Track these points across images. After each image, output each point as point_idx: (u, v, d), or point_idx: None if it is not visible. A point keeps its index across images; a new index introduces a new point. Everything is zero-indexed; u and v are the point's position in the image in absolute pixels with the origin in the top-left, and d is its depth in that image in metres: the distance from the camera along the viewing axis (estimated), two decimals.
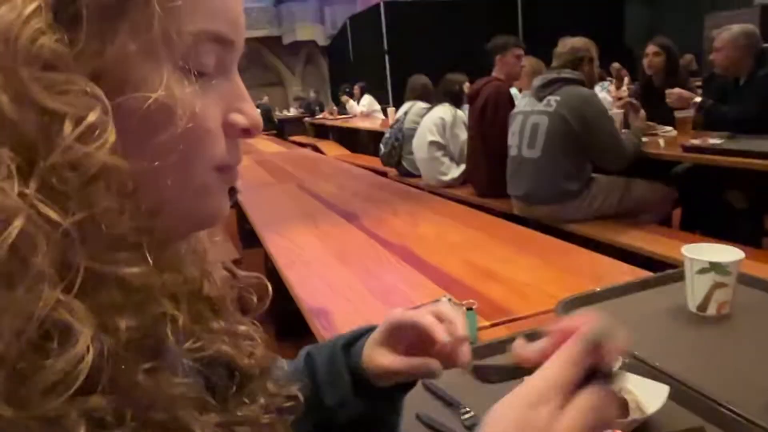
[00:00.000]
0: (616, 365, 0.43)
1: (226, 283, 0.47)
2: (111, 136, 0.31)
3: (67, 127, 0.30)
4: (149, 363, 0.33)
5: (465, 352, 0.56)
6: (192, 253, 0.43)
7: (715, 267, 0.98)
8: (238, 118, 0.40)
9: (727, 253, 1.00)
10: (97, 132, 0.30)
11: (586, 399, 0.38)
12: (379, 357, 0.58)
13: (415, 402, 0.81)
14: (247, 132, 0.40)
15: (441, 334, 0.55)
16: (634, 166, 2.60)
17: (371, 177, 3.23)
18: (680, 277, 1.05)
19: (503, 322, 1.10)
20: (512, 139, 2.85)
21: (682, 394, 0.77)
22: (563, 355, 0.39)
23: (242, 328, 0.46)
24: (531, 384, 0.38)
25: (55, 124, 0.30)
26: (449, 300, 1.14)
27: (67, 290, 0.29)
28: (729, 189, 2.85)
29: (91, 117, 0.30)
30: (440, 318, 0.57)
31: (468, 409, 0.79)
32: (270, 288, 0.52)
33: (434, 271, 1.42)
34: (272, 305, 0.52)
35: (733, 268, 0.98)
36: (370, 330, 0.62)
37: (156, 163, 0.34)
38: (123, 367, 0.31)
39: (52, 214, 0.29)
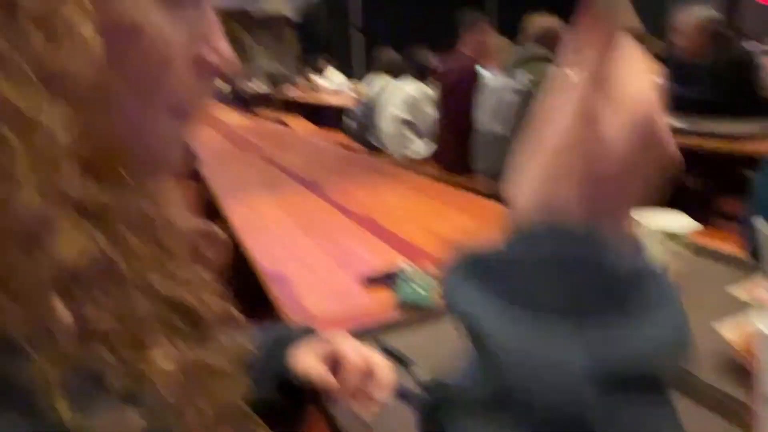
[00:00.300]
0: None
1: (185, 231, 0.44)
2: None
3: None
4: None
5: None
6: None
7: (668, 236, 1.00)
8: (209, 53, 0.36)
9: (682, 224, 1.03)
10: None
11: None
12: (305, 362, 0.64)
13: None
14: (217, 70, 0.37)
15: (333, 389, 0.62)
16: None
17: (337, 150, 3.21)
18: None
19: None
20: (481, 115, 2.86)
21: None
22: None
23: (204, 276, 0.43)
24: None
25: None
26: (408, 266, 1.14)
27: None
28: (686, 171, 2.94)
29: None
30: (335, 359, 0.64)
31: (421, 367, 0.79)
32: (228, 239, 0.51)
33: (396, 239, 1.42)
34: (232, 273, 0.50)
35: (688, 239, 1.01)
36: (308, 331, 0.70)
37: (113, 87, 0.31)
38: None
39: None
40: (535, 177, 0.30)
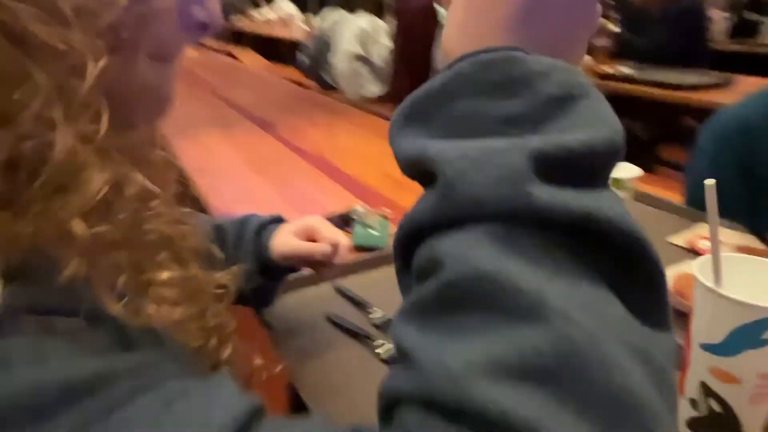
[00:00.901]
0: None
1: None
2: None
3: None
4: None
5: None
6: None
7: (614, 182, 1.04)
8: (197, 9, 0.36)
9: (625, 170, 1.06)
10: None
11: None
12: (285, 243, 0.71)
13: (326, 303, 0.83)
14: (204, 27, 0.37)
15: (320, 253, 0.71)
16: None
17: (290, 87, 3.11)
18: None
19: None
20: (438, 60, 2.82)
21: None
22: None
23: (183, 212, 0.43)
24: None
25: None
26: (362, 209, 1.14)
27: None
28: (635, 120, 3.02)
29: None
30: (311, 234, 0.73)
31: (376, 309, 0.81)
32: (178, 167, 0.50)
33: (350, 180, 1.41)
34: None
35: (629, 184, 1.04)
36: (277, 220, 0.76)
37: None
38: None
39: None
40: (459, 14, 0.33)
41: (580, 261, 0.25)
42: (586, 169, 0.26)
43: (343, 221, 1.13)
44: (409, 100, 0.31)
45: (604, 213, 0.25)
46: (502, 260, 0.24)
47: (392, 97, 3.62)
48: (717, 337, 0.46)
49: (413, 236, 0.29)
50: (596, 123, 0.27)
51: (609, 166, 0.28)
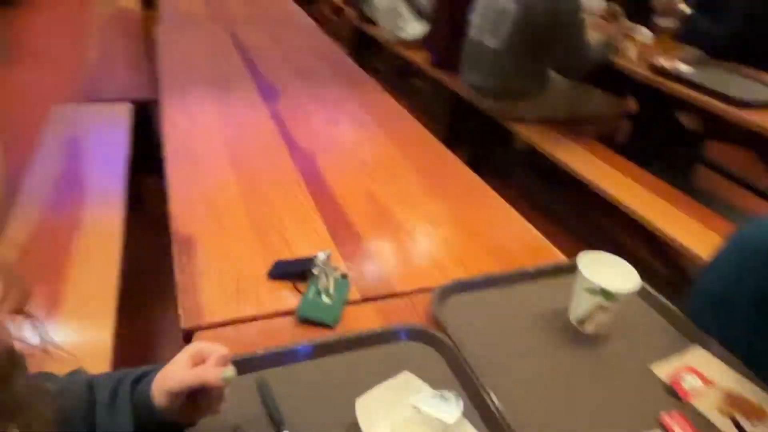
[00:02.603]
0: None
1: None
2: None
3: None
4: None
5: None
6: None
7: (604, 293, 0.90)
8: None
9: (623, 276, 0.92)
10: None
11: None
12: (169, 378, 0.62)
13: (240, 407, 0.75)
14: None
15: (213, 378, 0.61)
16: (595, 72, 2.40)
17: (316, 33, 2.86)
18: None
19: (375, 298, 1.01)
20: (475, 21, 2.54)
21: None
22: None
23: None
24: None
25: None
26: (325, 258, 1.02)
27: None
28: (684, 110, 2.72)
29: None
30: (201, 357, 0.63)
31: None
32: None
33: (329, 204, 1.28)
34: None
35: (621, 298, 0.90)
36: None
37: None
38: None
39: None
40: None
41: None
42: None
43: (299, 271, 1.02)
44: None
45: None
46: None
47: (429, 43, 3.34)
48: None
49: None
50: None
51: None
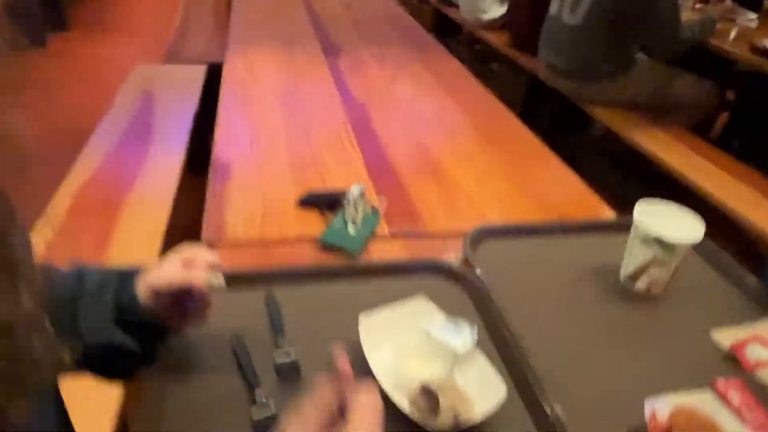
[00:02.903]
0: None
1: None
2: None
3: None
4: None
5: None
6: None
7: (661, 243, 0.79)
8: None
9: (686, 226, 0.80)
10: None
11: None
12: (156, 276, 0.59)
13: (248, 315, 0.71)
14: None
15: (198, 280, 0.57)
16: (687, 54, 2.20)
17: (389, 4, 2.82)
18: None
19: (404, 235, 0.94)
20: None
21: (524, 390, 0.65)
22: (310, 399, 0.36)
23: None
24: None
25: None
26: (359, 191, 0.97)
27: None
28: None
29: None
30: (188, 263, 0.59)
31: (289, 346, 0.68)
32: None
33: (375, 150, 1.23)
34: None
35: (681, 251, 0.79)
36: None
37: None
38: None
39: None
40: None
41: None
42: None
43: (329, 202, 0.98)
44: None
45: None
46: None
47: (510, 24, 3.22)
48: None
49: None
50: None
51: None
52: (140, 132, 1.82)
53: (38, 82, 3.36)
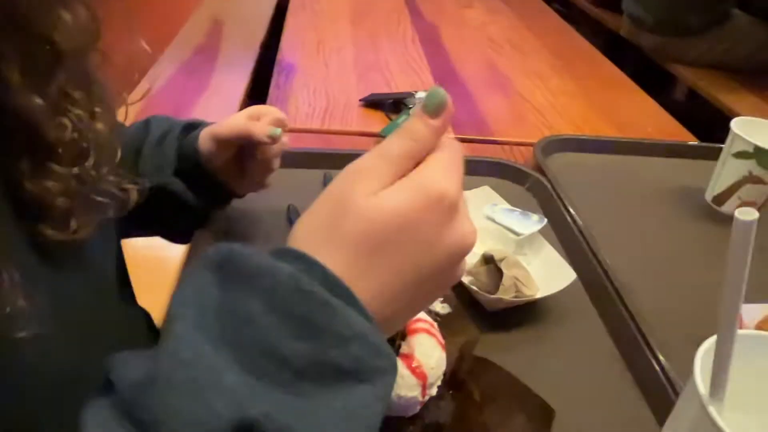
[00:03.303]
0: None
1: None
2: None
3: None
4: None
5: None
6: None
7: (759, 154, 0.71)
8: None
9: None
10: None
11: (425, 174, 0.27)
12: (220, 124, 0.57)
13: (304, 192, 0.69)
14: None
15: (260, 131, 0.55)
16: None
17: None
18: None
19: (469, 140, 0.89)
20: None
21: (595, 289, 0.60)
22: (400, 130, 0.28)
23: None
24: (354, 162, 0.28)
25: None
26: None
27: None
28: None
29: None
30: (254, 116, 0.57)
31: None
32: None
33: (443, 62, 1.18)
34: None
35: None
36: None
37: None
38: None
39: None
40: (317, 204, 0.28)
41: None
42: None
43: (393, 104, 0.94)
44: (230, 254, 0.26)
45: None
46: None
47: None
48: None
49: None
50: (349, 421, 0.24)
51: None
52: (206, 58, 1.82)
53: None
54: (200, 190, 0.58)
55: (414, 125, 0.28)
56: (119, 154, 0.38)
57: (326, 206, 0.27)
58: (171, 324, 0.24)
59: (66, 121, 0.32)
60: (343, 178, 0.28)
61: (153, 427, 0.21)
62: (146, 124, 0.61)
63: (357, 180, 0.27)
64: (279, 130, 0.56)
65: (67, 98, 0.33)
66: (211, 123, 0.59)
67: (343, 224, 0.26)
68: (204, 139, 0.57)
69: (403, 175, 0.27)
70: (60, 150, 0.32)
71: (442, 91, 0.28)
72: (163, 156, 0.57)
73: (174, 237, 0.64)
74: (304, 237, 0.27)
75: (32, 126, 0.30)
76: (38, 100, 0.30)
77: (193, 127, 0.59)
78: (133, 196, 0.39)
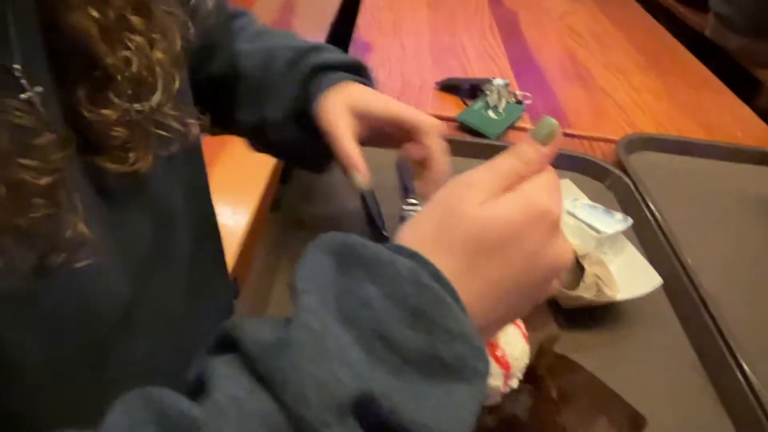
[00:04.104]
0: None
1: None
2: None
3: None
4: None
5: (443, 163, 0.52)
6: None
7: None
8: None
9: None
10: None
11: (532, 188, 0.29)
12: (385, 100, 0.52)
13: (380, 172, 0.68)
14: None
15: (429, 123, 0.51)
16: None
17: None
18: None
19: None
20: None
21: (679, 296, 0.57)
22: (510, 150, 0.30)
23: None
24: (464, 174, 0.30)
25: None
26: (503, 83, 0.90)
27: None
28: None
29: None
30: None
31: (417, 199, 0.64)
32: None
33: (521, 50, 1.14)
34: None
35: None
36: (353, 67, 0.55)
37: None
38: None
39: None
40: (427, 208, 0.30)
41: None
42: None
43: (470, 90, 0.92)
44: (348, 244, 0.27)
45: None
46: None
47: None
48: None
49: None
50: (447, 414, 0.24)
51: None
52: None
53: None
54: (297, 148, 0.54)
55: (525, 149, 0.30)
56: (178, 85, 0.34)
57: (435, 213, 0.29)
58: (298, 298, 0.25)
59: (124, 48, 0.30)
60: (452, 188, 0.29)
61: (281, 386, 0.22)
62: (271, 59, 0.55)
63: (467, 190, 0.28)
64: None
65: (125, 23, 0.31)
66: (340, 54, 0.55)
67: (453, 230, 0.28)
68: (336, 103, 0.50)
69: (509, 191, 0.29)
70: (118, 78, 0.30)
71: (553, 121, 0.31)
72: (281, 95, 0.53)
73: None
74: (413, 240, 0.28)
75: (89, 50, 0.29)
76: (95, 19, 0.28)
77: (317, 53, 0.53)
78: (195, 131, 0.37)
